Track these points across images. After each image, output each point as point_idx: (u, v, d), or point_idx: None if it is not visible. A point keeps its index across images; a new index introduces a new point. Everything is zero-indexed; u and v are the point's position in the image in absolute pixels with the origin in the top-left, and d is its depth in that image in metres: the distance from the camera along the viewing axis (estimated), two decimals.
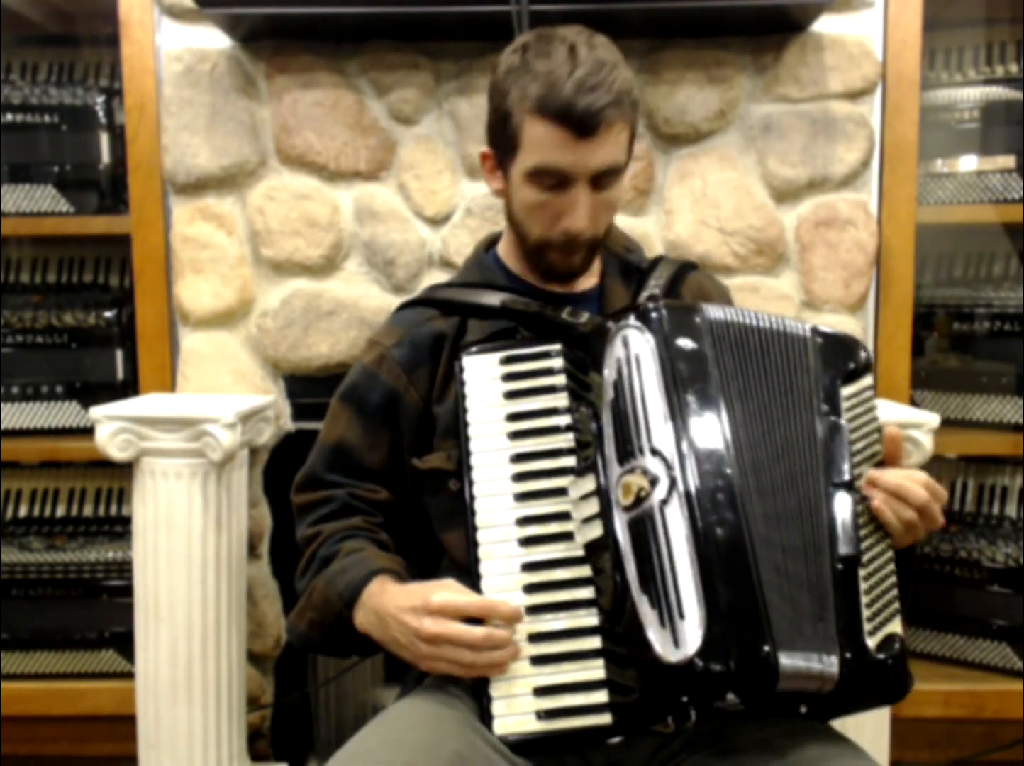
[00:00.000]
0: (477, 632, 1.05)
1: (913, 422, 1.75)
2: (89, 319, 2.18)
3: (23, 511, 2.27)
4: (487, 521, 1.13)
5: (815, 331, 1.18)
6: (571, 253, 1.25)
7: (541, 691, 1.06)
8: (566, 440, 1.15)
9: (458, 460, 1.19)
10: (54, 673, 2.19)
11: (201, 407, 1.81)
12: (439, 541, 1.27)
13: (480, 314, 1.29)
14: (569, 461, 1.14)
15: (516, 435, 1.16)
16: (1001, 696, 2.10)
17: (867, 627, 1.07)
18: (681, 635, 0.98)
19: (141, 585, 1.81)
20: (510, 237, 1.33)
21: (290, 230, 1.96)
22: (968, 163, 2.16)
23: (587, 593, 1.08)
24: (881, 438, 1.17)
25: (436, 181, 1.96)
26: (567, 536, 1.11)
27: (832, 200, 1.97)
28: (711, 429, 1.06)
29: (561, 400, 1.17)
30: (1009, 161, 2.12)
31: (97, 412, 1.78)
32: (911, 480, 1.12)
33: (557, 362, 1.19)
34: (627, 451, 1.06)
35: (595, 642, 1.07)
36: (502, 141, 1.23)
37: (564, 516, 1.11)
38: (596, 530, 1.07)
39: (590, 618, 1.07)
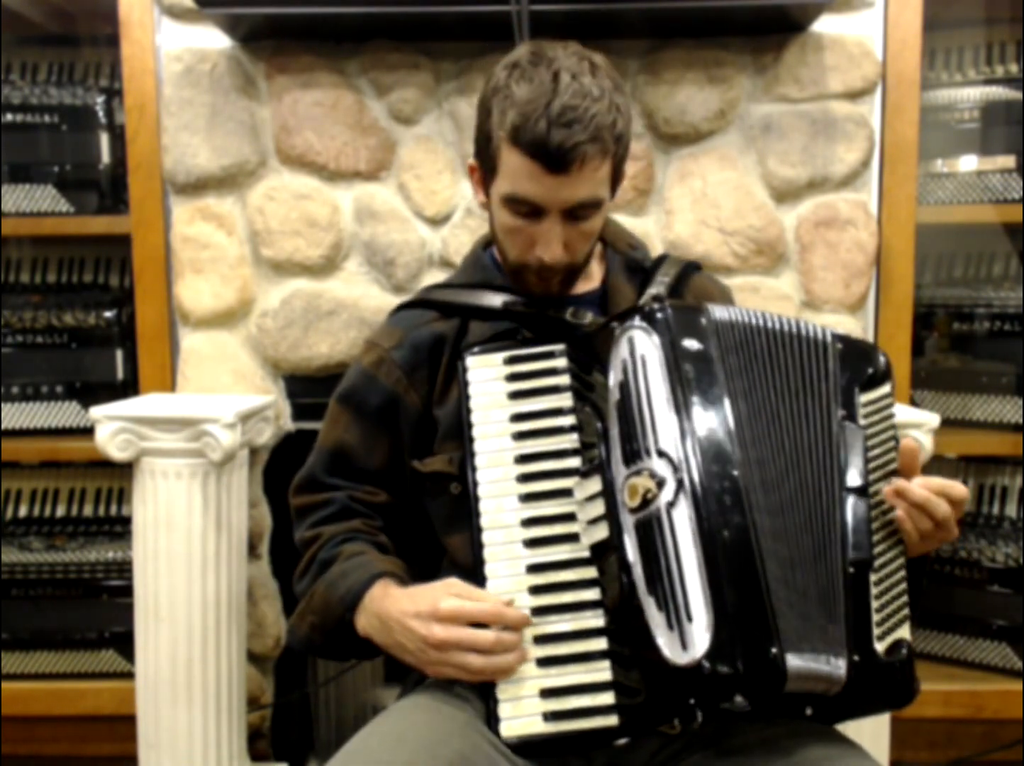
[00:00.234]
0: (488, 636, 1.05)
1: (913, 422, 1.76)
2: (89, 319, 2.17)
3: (23, 511, 2.27)
4: (492, 522, 1.12)
5: (835, 336, 1.17)
6: (547, 279, 1.23)
7: (547, 693, 1.06)
8: (571, 441, 1.15)
9: (460, 463, 1.19)
10: (54, 673, 2.19)
11: (201, 407, 1.81)
12: (439, 543, 1.26)
13: (482, 316, 1.28)
14: (574, 462, 1.13)
15: (520, 435, 1.16)
16: (1001, 696, 2.10)
17: (876, 631, 1.07)
18: (689, 637, 0.98)
19: (141, 585, 1.81)
20: None
21: (290, 230, 1.96)
22: (968, 163, 2.16)
23: (593, 594, 1.08)
24: (897, 447, 1.16)
25: (436, 181, 1.96)
26: (573, 537, 1.11)
27: (832, 200, 1.96)
28: (718, 431, 1.06)
29: (565, 400, 1.17)
30: (1009, 161, 2.12)
31: (97, 412, 1.77)
32: (942, 493, 1.10)
33: (561, 362, 1.18)
34: (633, 453, 1.06)
35: (601, 644, 1.07)
36: (485, 159, 1.21)
37: (570, 517, 1.11)
38: (602, 531, 1.07)
39: (596, 620, 1.07)
